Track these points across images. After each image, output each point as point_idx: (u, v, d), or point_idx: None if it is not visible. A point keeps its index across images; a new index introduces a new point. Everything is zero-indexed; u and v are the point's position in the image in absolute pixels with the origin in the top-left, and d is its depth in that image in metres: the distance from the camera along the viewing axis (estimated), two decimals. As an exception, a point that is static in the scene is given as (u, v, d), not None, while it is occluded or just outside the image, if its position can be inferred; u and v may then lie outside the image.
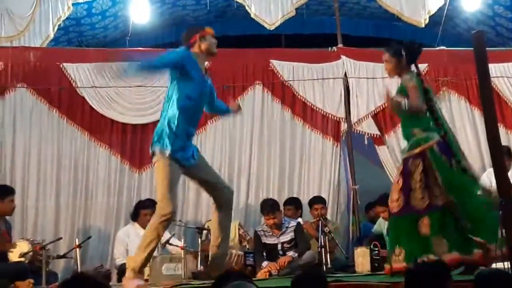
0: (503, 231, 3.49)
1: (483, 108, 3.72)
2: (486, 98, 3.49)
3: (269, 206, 6.63)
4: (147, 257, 4.95)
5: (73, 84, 7.63)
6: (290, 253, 6.49)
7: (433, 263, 3.64)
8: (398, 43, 5.49)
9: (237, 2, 8.47)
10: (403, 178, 5.01)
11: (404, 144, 5.27)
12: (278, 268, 6.27)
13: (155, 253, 6.50)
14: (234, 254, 6.36)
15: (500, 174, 3.51)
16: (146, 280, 5.72)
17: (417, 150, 5.04)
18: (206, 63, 5.25)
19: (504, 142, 7.37)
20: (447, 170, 5.00)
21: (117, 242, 7.02)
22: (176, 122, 4.91)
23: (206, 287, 4.49)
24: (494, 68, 7.89)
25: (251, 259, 5.56)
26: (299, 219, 7.12)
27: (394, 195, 5.06)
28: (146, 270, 5.89)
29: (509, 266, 3.45)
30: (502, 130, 7.73)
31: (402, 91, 5.19)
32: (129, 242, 6.91)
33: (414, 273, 3.39)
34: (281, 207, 7.06)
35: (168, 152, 4.87)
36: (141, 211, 6.99)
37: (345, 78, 7.92)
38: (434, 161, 5.00)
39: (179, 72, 4.99)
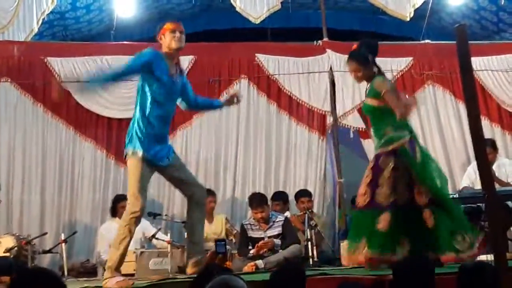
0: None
1: (466, 102, 3.74)
2: (468, 92, 3.51)
3: (257, 200, 6.61)
4: (122, 253, 4.96)
5: (58, 78, 7.58)
6: (270, 232, 6.49)
7: (418, 258, 3.66)
8: (360, 44, 5.29)
9: (222, -5, 8.48)
10: (373, 173, 5.03)
11: (375, 141, 5.19)
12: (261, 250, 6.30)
13: (138, 247, 6.54)
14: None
15: (483, 167, 3.53)
16: (127, 275, 5.74)
17: (390, 148, 5.02)
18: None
19: (488, 135, 7.47)
20: (421, 167, 5.01)
21: (100, 239, 6.97)
22: (143, 125, 4.99)
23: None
24: (479, 62, 7.96)
25: (222, 247, 5.58)
26: (287, 213, 7.13)
27: (362, 189, 5.07)
28: (133, 265, 5.90)
29: (493, 258, 3.47)
30: (486, 123, 7.80)
31: (376, 95, 5.10)
32: (111, 238, 6.88)
33: (402, 267, 3.41)
34: (269, 201, 7.06)
35: (139, 153, 4.97)
36: (118, 204, 6.98)
37: (331, 72, 7.94)
38: (408, 160, 5.00)
39: (146, 74, 5.02)
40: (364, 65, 5.14)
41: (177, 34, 5.11)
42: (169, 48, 5.11)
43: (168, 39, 5.12)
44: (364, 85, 5.30)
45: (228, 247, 6.45)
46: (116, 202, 7.05)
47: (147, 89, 5.01)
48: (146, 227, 6.95)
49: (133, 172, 5.02)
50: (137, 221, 4.99)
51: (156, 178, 7.57)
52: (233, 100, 5.65)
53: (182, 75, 5.31)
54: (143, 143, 4.97)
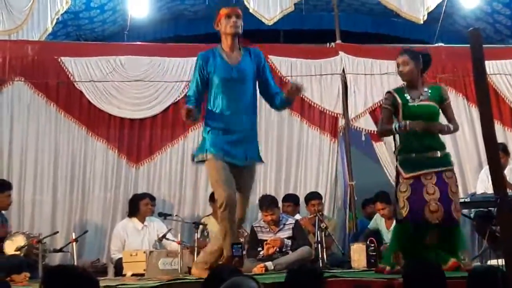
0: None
1: (479, 106, 3.72)
2: (482, 96, 3.49)
3: (268, 202, 6.61)
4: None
5: (71, 78, 7.63)
6: (280, 234, 6.49)
7: (428, 262, 3.65)
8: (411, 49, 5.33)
9: (236, -4, 8.46)
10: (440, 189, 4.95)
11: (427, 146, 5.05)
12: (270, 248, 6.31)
13: (151, 248, 6.56)
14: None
15: (495, 171, 3.51)
16: (137, 275, 5.75)
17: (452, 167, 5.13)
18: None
19: (501, 139, 7.42)
20: None
21: (114, 236, 7.02)
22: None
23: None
24: (492, 65, 7.91)
25: (239, 250, 5.58)
26: (297, 215, 7.12)
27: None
28: (143, 265, 5.92)
29: (504, 262, 3.45)
30: (499, 127, 7.75)
31: (441, 100, 5.12)
32: (127, 237, 6.94)
33: (412, 272, 3.40)
34: (280, 203, 7.05)
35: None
36: (141, 202, 7.02)
37: (343, 74, 7.92)
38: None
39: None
40: (414, 60, 5.08)
41: (233, 18, 4.95)
42: (226, 34, 4.93)
43: (224, 25, 4.94)
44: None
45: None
46: (137, 200, 7.09)
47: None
48: (160, 227, 6.98)
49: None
50: (231, 211, 4.87)
51: (167, 178, 7.67)
52: (292, 93, 5.15)
53: (252, 60, 5.08)
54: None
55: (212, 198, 7.22)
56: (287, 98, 5.15)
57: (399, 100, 5.08)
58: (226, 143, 4.88)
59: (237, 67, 4.96)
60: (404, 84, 5.21)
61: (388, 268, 4.93)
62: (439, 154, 5.03)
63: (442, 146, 5.12)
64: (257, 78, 5.12)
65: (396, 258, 4.92)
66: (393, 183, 7.55)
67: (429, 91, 5.09)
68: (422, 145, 5.01)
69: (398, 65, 5.15)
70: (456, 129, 5.20)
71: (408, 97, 5.08)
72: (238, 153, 4.92)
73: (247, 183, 5.11)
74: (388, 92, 5.25)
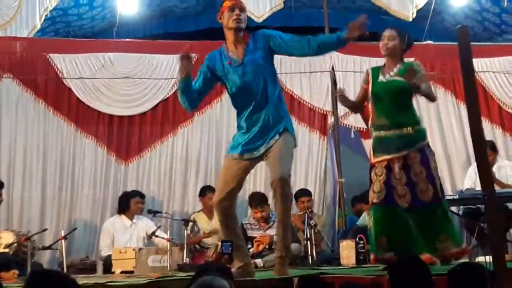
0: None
1: (467, 104, 3.74)
2: (470, 94, 3.52)
3: (258, 199, 6.63)
4: None
5: (60, 75, 7.61)
6: (269, 231, 6.49)
7: (413, 258, 3.65)
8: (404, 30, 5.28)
9: (225, -7, 8.45)
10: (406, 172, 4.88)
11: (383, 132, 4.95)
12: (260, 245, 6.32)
13: (141, 245, 6.56)
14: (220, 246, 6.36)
15: (483, 168, 3.54)
16: (126, 272, 5.73)
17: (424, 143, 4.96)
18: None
19: (489, 137, 7.47)
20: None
21: (103, 233, 7.01)
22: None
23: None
24: (481, 63, 7.95)
25: (228, 248, 5.59)
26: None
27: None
28: (132, 262, 5.91)
29: (491, 259, 3.47)
30: (487, 125, 7.80)
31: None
32: (116, 233, 6.93)
33: (398, 267, 3.40)
34: (270, 200, 7.06)
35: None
36: (132, 200, 7.01)
37: (332, 71, 7.94)
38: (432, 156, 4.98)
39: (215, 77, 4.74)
40: (400, 37, 5.05)
41: (237, 11, 4.53)
42: (227, 28, 4.59)
43: (226, 19, 4.55)
44: None
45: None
46: (128, 197, 7.08)
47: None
48: (148, 225, 6.97)
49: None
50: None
51: (156, 175, 7.66)
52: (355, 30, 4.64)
53: (257, 47, 4.68)
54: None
55: (201, 193, 7.24)
56: (348, 37, 4.72)
57: (370, 77, 5.06)
58: (245, 140, 4.70)
59: (242, 65, 4.67)
60: (384, 62, 5.18)
61: (372, 256, 4.93)
62: (411, 130, 4.90)
63: (414, 122, 4.97)
64: (275, 54, 4.83)
65: (381, 244, 4.88)
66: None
67: (401, 67, 5.00)
68: (392, 121, 4.92)
69: (383, 39, 5.08)
70: (432, 97, 5.05)
71: (380, 75, 5.04)
72: (255, 146, 4.71)
73: (272, 164, 4.75)
74: (367, 70, 5.25)
